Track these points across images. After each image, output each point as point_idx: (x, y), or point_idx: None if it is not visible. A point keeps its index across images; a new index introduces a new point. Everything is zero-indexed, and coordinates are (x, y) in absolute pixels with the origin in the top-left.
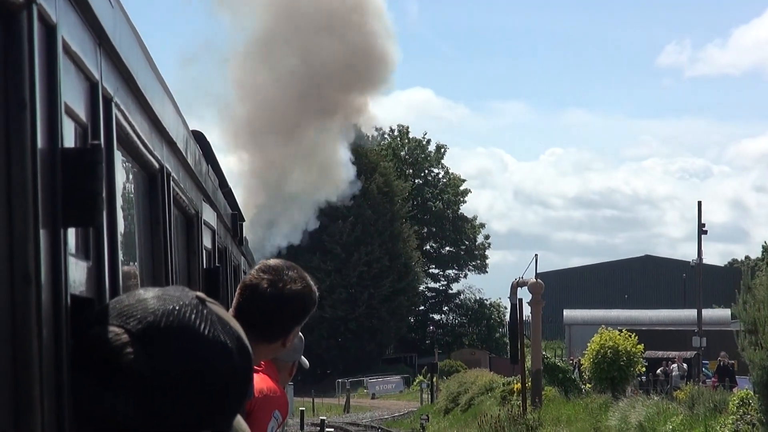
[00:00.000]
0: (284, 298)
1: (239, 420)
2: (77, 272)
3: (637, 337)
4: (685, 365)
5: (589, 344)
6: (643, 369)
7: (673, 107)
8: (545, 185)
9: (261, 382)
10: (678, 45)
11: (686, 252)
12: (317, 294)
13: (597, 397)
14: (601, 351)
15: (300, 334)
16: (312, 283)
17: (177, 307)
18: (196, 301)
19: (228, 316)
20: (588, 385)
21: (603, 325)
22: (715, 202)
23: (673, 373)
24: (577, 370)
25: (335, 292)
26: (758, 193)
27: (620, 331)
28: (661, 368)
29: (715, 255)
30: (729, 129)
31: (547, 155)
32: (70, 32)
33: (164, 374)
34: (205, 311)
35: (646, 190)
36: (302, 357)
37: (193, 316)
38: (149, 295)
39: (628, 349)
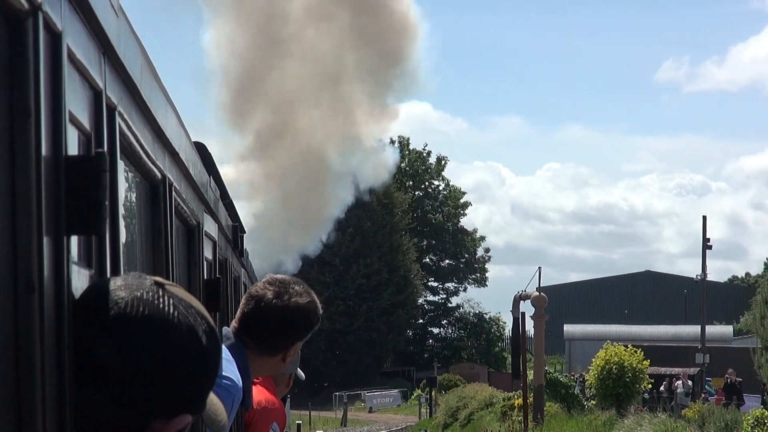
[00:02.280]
0: (289, 311)
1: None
2: (80, 280)
3: (643, 353)
4: (690, 382)
5: (594, 360)
6: (650, 386)
7: (672, 123)
8: (543, 200)
9: (259, 394)
10: (676, 62)
11: (684, 268)
12: (321, 311)
13: (600, 413)
14: (607, 367)
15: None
16: (317, 299)
17: (138, 295)
18: (156, 286)
19: (190, 297)
20: (592, 401)
21: (609, 341)
22: (712, 219)
23: (678, 390)
24: (579, 386)
25: (333, 305)
26: (756, 210)
27: (626, 346)
28: (664, 385)
29: (713, 272)
30: (727, 146)
31: (544, 170)
32: (75, 40)
33: (134, 364)
34: (165, 295)
35: (643, 206)
36: (298, 369)
37: (155, 301)
38: (111, 285)
39: (634, 365)
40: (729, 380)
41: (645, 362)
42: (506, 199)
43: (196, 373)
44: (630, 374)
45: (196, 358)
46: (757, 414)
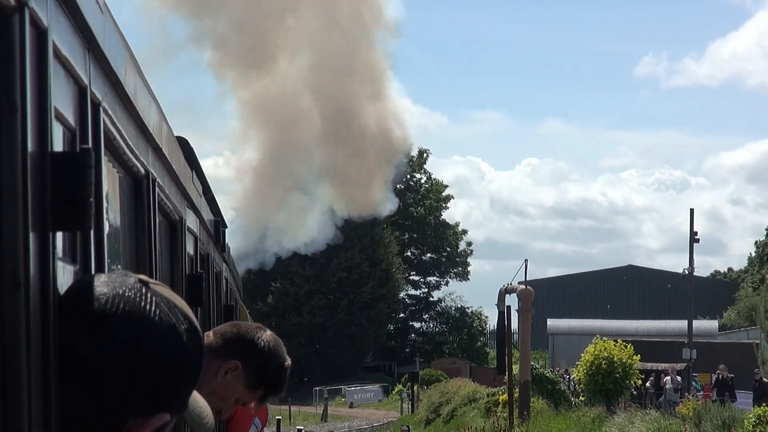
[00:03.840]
0: (259, 339)
1: (195, 396)
2: (65, 276)
3: (633, 348)
4: (678, 378)
5: (582, 354)
6: (639, 381)
7: (651, 119)
8: (522, 195)
9: None
10: (655, 57)
11: (664, 263)
12: (283, 386)
13: (589, 410)
14: (596, 362)
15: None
16: (286, 375)
17: (119, 292)
18: (140, 284)
19: (175, 296)
20: (581, 397)
21: (597, 335)
22: None
23: (667, 386)
24: (567, 382)
25: (314, 298)
26: (735, 206)
27: (615, 341)
28: (650, 380)
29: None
30: (707, 141)
31: (523, 165)
32: (61, 36)
33: (112, 361)
34: (149, 294)
35: (623, 201)
36: None
37: (137, 299)
38: (94, 282)
39: (624, 360)
40: (720, 376)
41: (635, 357)
42: (485, 194)
43: (175, 372)
44: (620, 370)
45: (176, 357)
46: (759, 412)
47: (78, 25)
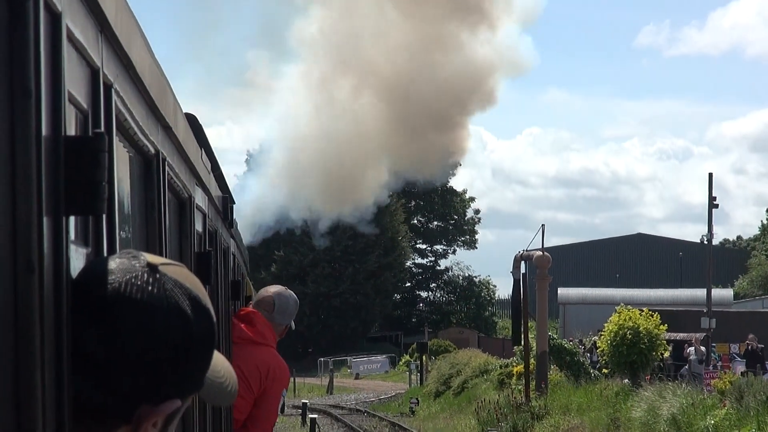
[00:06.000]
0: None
1: (216, 360)
2: (77, 260)
3: (659, 317)
4: (702, 348)
5: (606, 324)
6: (667, 353)
7: (653, 88)
8: (524, 164)
9: (272, 359)
10: (656, 26)
11: (666, 232)
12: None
13: (610, 383)
14: (620, 332)
15: (296, 297)
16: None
17: (126, 279)
18: (147, 269)
19: (186, 276)
20: (605, 369)
21: (614, 305)
22: (695, 183)
23: (691, 357)
24: (589, 353)
25: (318, 267)
26: (738, 175)
27: (641, 310)
28: (668, 351)
29: (696, 236)
30: (709, 110)
31: (525, 135)
32: (74, 20)
33: (118, 351)
34: (157, 278)
35: (625, 171)
36: (292, 322)
37: (144, 285)
38: (101, 269)
39: (650, 330)
40: (750, 347)
41: (662, 327)
42: (487, 164)
43: (184, 358)
44: (645, 340)
45: (185, 343)
46: None
47: (91, 8)
